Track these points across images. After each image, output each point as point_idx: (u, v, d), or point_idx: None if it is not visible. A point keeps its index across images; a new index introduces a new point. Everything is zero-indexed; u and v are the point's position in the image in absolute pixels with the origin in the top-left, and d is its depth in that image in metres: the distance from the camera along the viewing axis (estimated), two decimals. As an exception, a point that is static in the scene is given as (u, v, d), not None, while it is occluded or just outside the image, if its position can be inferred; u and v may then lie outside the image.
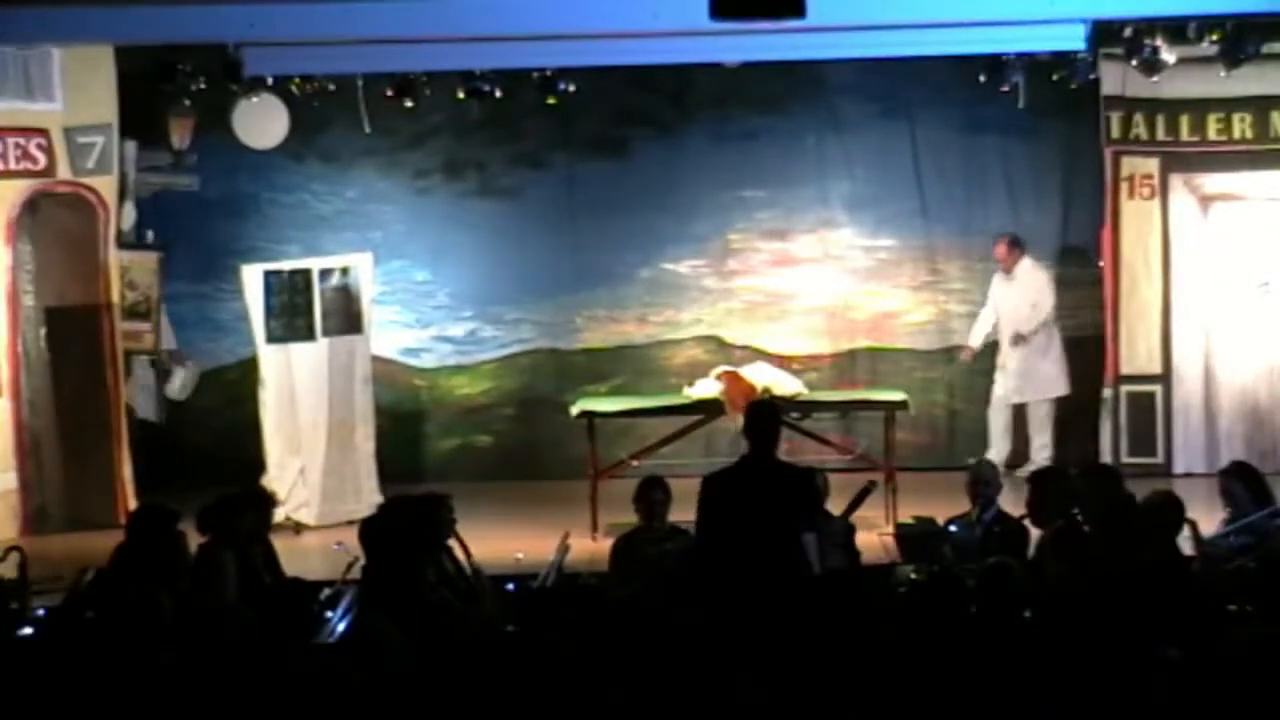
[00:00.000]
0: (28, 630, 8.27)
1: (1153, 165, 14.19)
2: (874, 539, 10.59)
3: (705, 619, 7.74)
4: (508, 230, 15.03)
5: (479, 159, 15.16)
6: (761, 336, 14.98)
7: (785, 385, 12.81)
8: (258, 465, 13.17)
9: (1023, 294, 14.22)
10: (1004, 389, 14.30)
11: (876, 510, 11.87)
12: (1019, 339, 14.19)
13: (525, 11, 12.02)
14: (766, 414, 9.42)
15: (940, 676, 6.80)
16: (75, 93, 13.15)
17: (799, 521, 8.83)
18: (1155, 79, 13.60)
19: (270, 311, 13.08)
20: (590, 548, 11.43)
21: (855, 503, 9.62)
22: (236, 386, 14.32)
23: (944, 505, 11.27)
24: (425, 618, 8.19)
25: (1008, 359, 14.29)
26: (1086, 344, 14.53)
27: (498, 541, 10.96)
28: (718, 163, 15.05)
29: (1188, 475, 13.75)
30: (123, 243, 13.73)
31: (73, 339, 13.36)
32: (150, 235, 14.41)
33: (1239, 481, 9.98)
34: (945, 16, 12.49)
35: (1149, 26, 13.15)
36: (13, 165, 13.06)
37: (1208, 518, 9.81)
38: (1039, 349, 14.22)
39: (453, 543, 9.60)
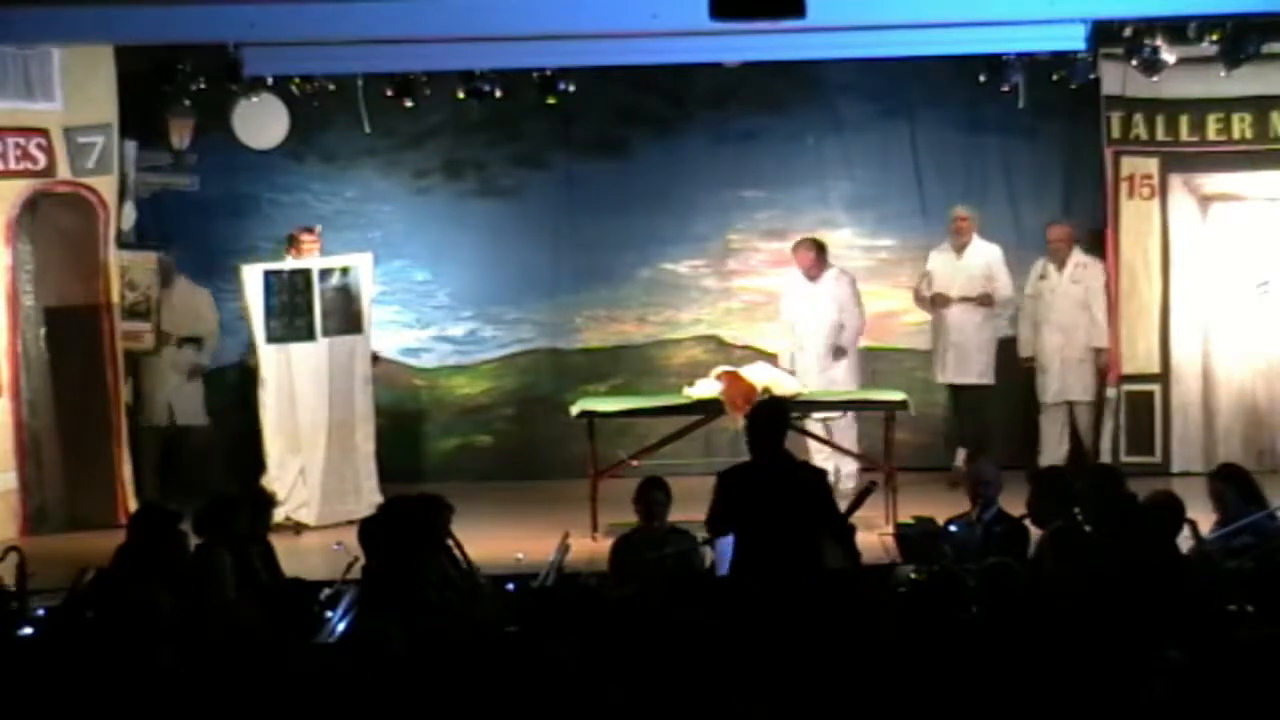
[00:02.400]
0: (28, 630, 8.27)
1: (1152, 165, 14.19)
2: (874, 539, 10.60)
3: (713, 617, 7.75)
4: (508, 230, 15.04)
5: (479, 159, 15.17)
6: (761, 336, 14.97)
7: (785, 385, 12.80)
8: (258, 465, 13.18)
9: (829, 303, 13.81)
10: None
11: (876, 510, 11.88)
12: (839, 352, 13.76)
13: (525, 11, 12.02)
14: (774, 413, 9.43)
15: (940, 676, 6.80)
16: (75, 93, 13.15)
17: (817, 520, 8.87)
18: (1155, 79, 13.59)
19: (270, 311, 13.07)
20: (590, 548, 11.43)
21: (855, 503, 9.62)
22: (237, 387, 14.31)
23: (944, 505, 11.28)
24: (425, 618, 8.19)
25: (811, 374, 13.62)
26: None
27: (498, 541, 10.96)
28: (717, 163, 15.05)
29: (1185, 474, 13.74)
30: (123, 243, 13.73)
31: (73, 339, 13.35)
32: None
33: (1228, 484, 9.97)
34: (945, 16, 12.49)
35: (1149, 26, 13.15)
36: (13, 165, 13.06)
37: (1206, 517, 9.81)
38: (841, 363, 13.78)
39: (450, 543, 9.60)
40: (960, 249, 14.12)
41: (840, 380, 13.75)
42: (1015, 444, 14.08)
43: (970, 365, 14.13)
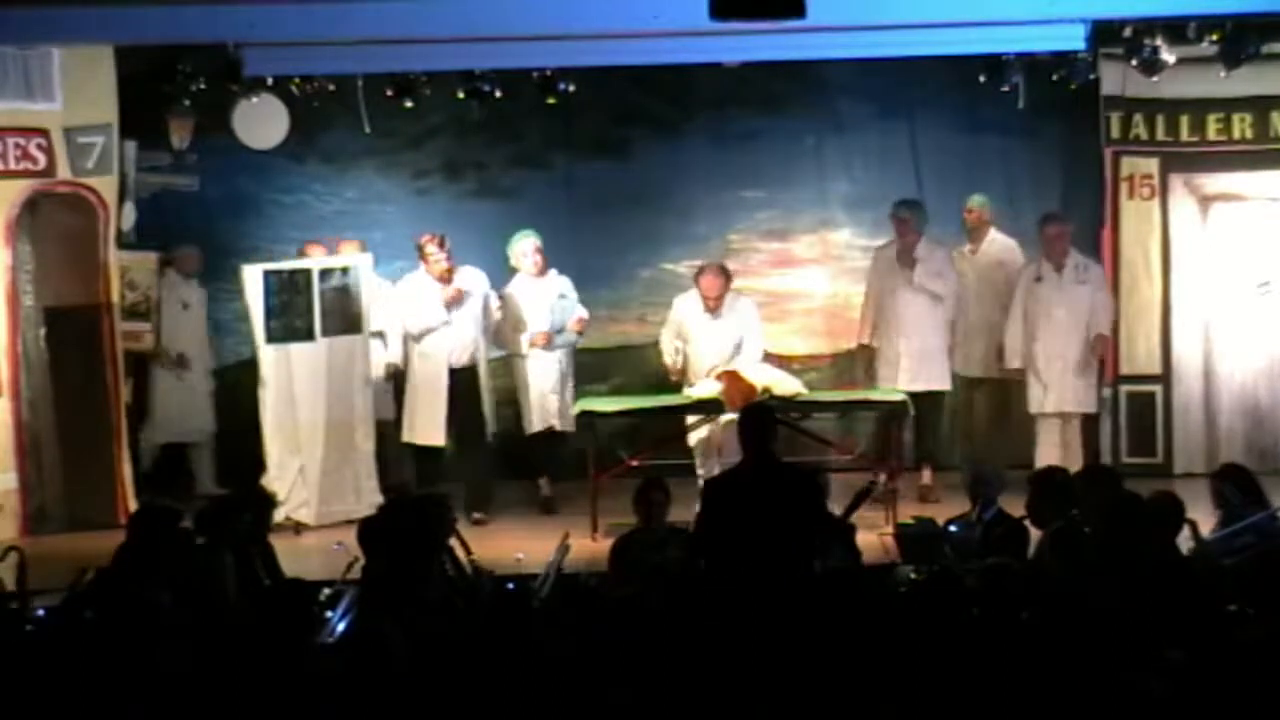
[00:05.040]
0: (28, 630, 8.27)
1: (1153, 165, 14.19)
2: (874, 539, 10.61)
3: (710, 621, 7.75)
4: (508, 230, 14.97)
5: (479, 159, 15.16)
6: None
7: (785, 385, 12.80)
8: (257, 465, 13.19)
9: (731, 330, 13.34)
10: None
11: (876, 510, 11.89)
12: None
13: (525, 11, 12.02)
14: (760, 416, 9.45)
15: (940, 677, 6.80)
16: (75, 93, 13.15)
17: (808, 522, 8.88)
18: (1155, 79, 13.59)
19: (270, 311, 13.07)
20: (590, 548, 11.44)
21: (855, 503, 9.63)
22: (236, 387, 14.30)
23: (944, 505, 11.28)
24: (425, 618, 8.19)
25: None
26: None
27: (498, 541, 10.97)
28: (718, 163, 15.04)
29: (1187, 475, 13.73)
30: (123, 243, 13.72)
31: (73, 339, 13.35)
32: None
33: (1231, 484, 9.98)
34: (945, 16, 12.49)
35: (1149, 26, 13.15)
36: (13, 165, 13.06)
37: (1207, 518, 9.81)
38: None
39: (453, 542, 9.61)
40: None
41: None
42: (1000, 450, 13.61)
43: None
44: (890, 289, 13.69)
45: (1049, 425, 13.54)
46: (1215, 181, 14.20)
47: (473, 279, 13.51)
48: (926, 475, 13.58)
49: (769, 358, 14.01)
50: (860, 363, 13.94)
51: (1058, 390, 13.48)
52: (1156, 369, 14.24)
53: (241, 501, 9.95)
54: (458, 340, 13.35)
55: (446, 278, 13.33)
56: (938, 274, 13.62)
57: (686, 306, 13.47)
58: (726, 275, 13.48)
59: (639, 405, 13.45)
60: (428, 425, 13.34)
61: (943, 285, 13.62)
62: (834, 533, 9.20)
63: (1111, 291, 13.97)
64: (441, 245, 13.36)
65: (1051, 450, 13.34)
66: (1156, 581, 8.12)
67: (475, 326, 13.43)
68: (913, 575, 8.93)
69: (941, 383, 13.71)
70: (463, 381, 13.35)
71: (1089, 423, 13.82)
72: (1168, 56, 13.27)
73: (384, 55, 13.30)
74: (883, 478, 12.26)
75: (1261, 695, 6.36)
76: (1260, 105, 13.97)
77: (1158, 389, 14.24)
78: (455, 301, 13.29)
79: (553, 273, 13.78)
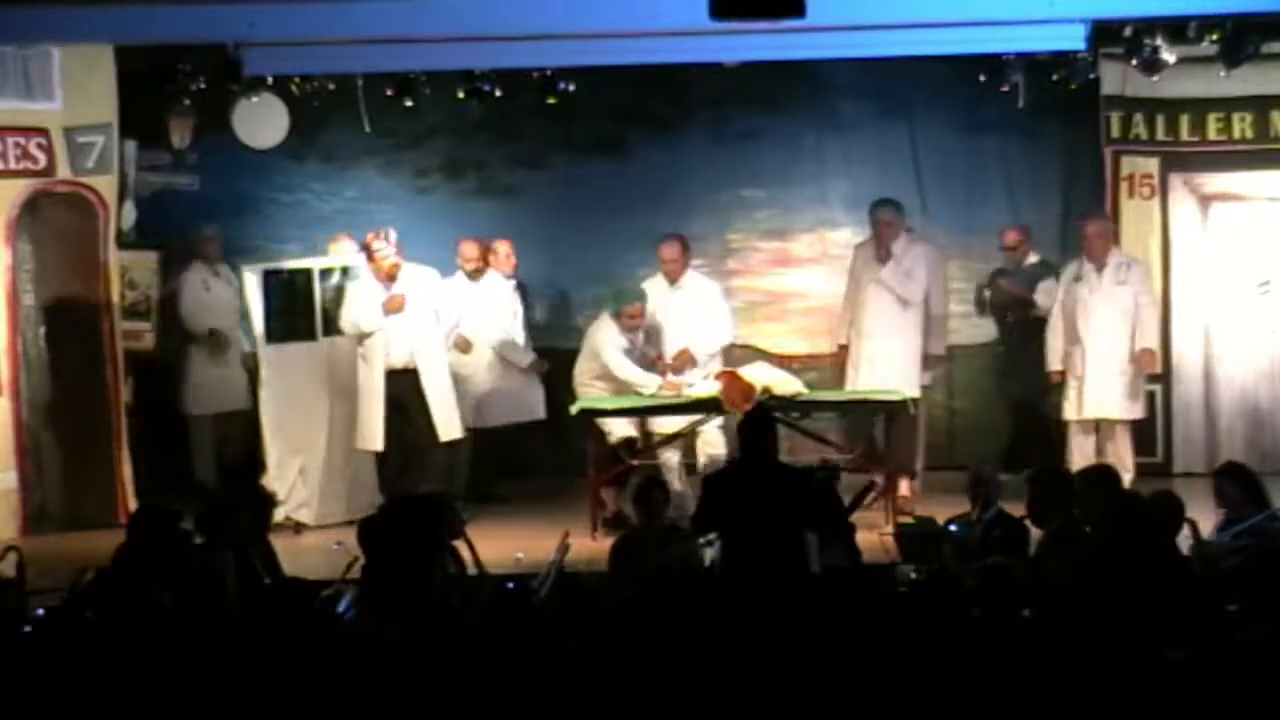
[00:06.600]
0: (27, 630, 8.26)
1: (1153, 165, 14.19)
2: (874, 539, 10.60)
3: (708, 617, 7.75)
4: (507, 230, 15.00)
5: (479, 159, 15.18)
6: (761, 336, 14.97)
7: (785, 385, 12.77)
8: (258, 465, 13.19)
9: (692, 308, 13.14)
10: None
11: (876, 510, 11.88)
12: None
13: (525, 11, 12.04)
14: (761, 420, 9.47)
15: (940, 677, 6.80)
16: (75, 93, 13.15)
17: (807, 522, 8.89)
18: (1155, 79, 13.60)
19: (270, 311, 13.07)
20: (590, 548, 11.43)
21: (855, 503, 9.63)
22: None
23: (944, 505, 11.27)
24: (425, 618, 8.19)
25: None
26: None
27: (498, 541, 10.97)
28: (717, 163, 15.05)
29: (1187, 475, 13.73)
30: (123, 242, 13.73)
31: (73, 339, 13.35)
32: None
33: (1232, 482, 9.97)
34: (945, 16, 12.50)
35: (1149, 26, 13.16)
36: (13, 165, 13.06)
37: (1207, 518, 9.81)
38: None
39: (459, 543, 9.62)
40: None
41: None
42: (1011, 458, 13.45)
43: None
44: (863, 286, 13.32)
45: (1080, 431, 13.06)
46: (1215, 181, 14.21)
47: (419, 279, 13.09)
48: (904, 487, 12.93)
49: (769, 357, 14.03)
50: (840, 365, 13.51)
51: (1098, 396, 12.96)
52: (1156, 368, 14.20)
53: (241, 501, 9.95)
54: (393, 342, 12.90)
55: (394, 273, 12.89)
56: (907, 274, 13.21)
57: (652, 287, 13.20)
58: (684, 247, 13.22)
59: (639, 405, 13.43)
60: (365, 430, 12.93)
61: (911, 288, 13.20)
62: (836, 530, 9.21)
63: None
64: (388, 239, 12.92)
65: (1085, 458, 12.66)
66: (1156, 581, 8.12)
67: (416, 327, 12.95)
68: (913, 575, 8.93)
69: (908, 389, 12.92)
70: (404, 385, 12.88)
71: (1134, 430, 13.16)
72: (1168, 56, 13.27)
73: (384, 55, 13.32)
74: (880, 480, 12.21)
75: (1261, 695, 6.36)
76: (1260, 105, 13.97)
77: (1157, 389, 14.20)
78: (396, 310, 12.83)
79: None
